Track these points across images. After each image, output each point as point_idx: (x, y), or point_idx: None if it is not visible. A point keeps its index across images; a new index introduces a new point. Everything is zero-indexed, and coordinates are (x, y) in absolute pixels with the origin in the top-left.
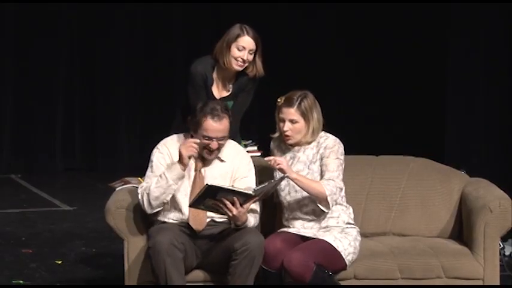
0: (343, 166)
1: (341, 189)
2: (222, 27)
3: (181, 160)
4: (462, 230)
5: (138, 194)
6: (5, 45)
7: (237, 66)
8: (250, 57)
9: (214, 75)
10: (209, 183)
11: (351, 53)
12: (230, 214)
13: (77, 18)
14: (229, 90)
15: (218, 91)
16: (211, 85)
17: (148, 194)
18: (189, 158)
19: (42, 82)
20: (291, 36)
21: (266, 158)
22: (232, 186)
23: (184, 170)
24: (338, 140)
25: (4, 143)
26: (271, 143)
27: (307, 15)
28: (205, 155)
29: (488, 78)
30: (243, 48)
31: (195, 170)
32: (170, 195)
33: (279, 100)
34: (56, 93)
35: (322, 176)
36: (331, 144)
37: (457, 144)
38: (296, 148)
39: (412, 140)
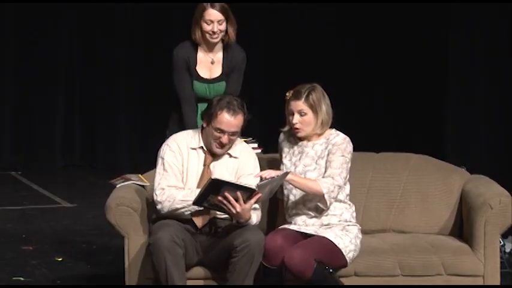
0: (349, 165)
1: (339, 186)
2: None
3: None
4: (462, 227)
5: (156, 194)
6: (5, 44)
7: (211, 39)
8: (222, 27)
9: (200, 55)
10: (213, 177)
11: (351, 51)
12: (234, 211)
13: (77, 17)
14: (219, 69)
15: (209, 71)
16: (195, 66)
17: (171, 203)
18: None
19: (42, 80)
20: (291, 35)
21: (254, 176)
22: (238, 181)
23: None
24: (348, 138)
25: (4, 140)
26: (281, 135)
27: (307, 15)
28: (215, 149)
29: (489, 77)
30: (210, 21)
31: (204, 165)
32: (189, 212)
33: (287, 94)
34: (56, 90)
35: (325, 171)
36: (339, 142)
37: (458, 142)
38: (305, 143)
39: (412, 138)
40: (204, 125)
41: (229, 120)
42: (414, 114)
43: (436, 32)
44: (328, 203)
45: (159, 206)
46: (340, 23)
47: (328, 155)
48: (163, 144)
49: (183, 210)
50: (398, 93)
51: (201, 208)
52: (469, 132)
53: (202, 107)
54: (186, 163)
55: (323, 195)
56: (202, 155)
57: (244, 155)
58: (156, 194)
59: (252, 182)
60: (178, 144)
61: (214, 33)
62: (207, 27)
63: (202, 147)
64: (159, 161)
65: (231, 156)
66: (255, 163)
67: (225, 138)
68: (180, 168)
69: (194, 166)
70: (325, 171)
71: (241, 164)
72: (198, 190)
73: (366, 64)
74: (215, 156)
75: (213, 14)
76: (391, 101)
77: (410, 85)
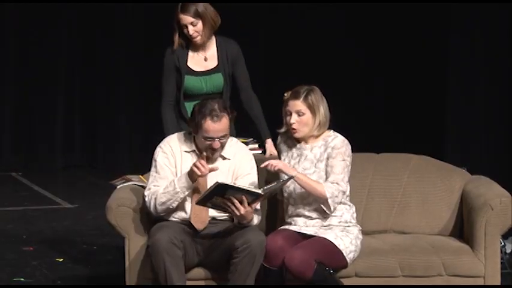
0: (350, 168)
1: (344, 192)
2: (222, 27)
3: (190, 175)
4: (463, 227)
5: (145, 196)
6: (5, 44)
7: (192, 40)
8: (197, 27)
9: (190, 52)
10: (219, 181)
11: (351, 51)
12: (237, 213)
13: (77, 16)
14: (214, 62)
15: (203, 66)
16: (186, 62)
17: (155, 199)
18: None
19: (42, 80)
20: (291, 36)
21: (262, 165)
22: (244, 185)
23: (193, 183)
24: (346, 140)
25: (4, 141)
26: (278, 137)
27: (307, 15)
28: (209, 155)
29: (489, 77)
30: (184, 26)
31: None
32: (177, 203)
33: (285, 94)
34: (56, 90)
35: (326, 175)
36: (339, 145)
37: (458, 142)
38: (303, 145)
39: (412, 138)
40: (194, 134)
41: (215, 126)
42: (414, 114)
43: (436, 32)
44: (332, 208)
45: (149, 208)
46: (340, 23)
47: (328, 158)
48: (157, 147)
49: (169, 202)
50: (398, 93)
51: (184, 195)
52: (469, 133)
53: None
54: (180, 165)
55: (326, 199)
56: (195, 158)
57: (240, 156)
58: (145, 195)
59: (249, 183)
60: (171, 147)
61: (191, 35)
62: (184, 30)
63: (194, 150)
64: (152, 163)
65: (224, 158)
66: (252, 163)
67: (216, 144)
68: (172, 170)
69: (188, 168)
70: (327, 176)
71: (237, 165)
72: (176, 179)
73: (366, 64)
74: (208, 159)
75: (184, 19)
76: (391, 101)
77: (410, 85)
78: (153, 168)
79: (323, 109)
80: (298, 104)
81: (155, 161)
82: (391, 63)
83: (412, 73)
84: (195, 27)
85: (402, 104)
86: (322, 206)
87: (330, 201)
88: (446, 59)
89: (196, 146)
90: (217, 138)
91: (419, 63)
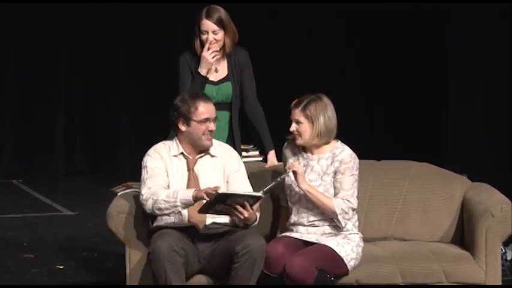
0: (357, 181)
1: (354, 209)
2: None
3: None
4: (464, 234)
5: (142, 194)
6: (5, 46)
7: (207, 48)
8: (217, 36)
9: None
10: (220, 191)
11: (351, 52)
12: (241, 217)
13: (77, 18)
14: (224, 72)
15: (214, 75)
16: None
17: (154, 201)
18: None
19: (43, 86)
20: (292, 40)
21: (287, 166)
22: (244, 191)
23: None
24: (354, 154)
25: (5, 148)
26: (285, 144)
27: (306, 17)
28: (206, 142)
29: (489, 77)
30: (205, 32)
31: (188, 170)
32: (173, 214)
33: (293, 102)
34: (56, 97)
35: (335, 191)
36: (347, 159)
37: (458, 148)
38: (310, 156)
39: (413, 144)
40: (183, 129)
41: (208, 106)
42: (414, 118)
43: (436, 32)
44: (343, 224)
45: (144, 206)
46: (339, 24)
47: (335, 172)
48: (144, 156)
49: (167, 212)
50: (398, 95)
51: (182, 211)
52: (470, 139)
53: None
54: (171, 169)
55: (336, 215)
56: (184, 161)
57: (227, 154)
58: (141, 194)
59: (240, 179)
60: (159, 153)
61: (210, 42)
62: (203, 37)
63: (182, 153)
64: (143, 171)
65: (212, 156)
66: (239, 159)
67: (212, 125)
68: (164, 174)
69: (178, 172)
70: (336, 192)
71: (226, 162)
72: (180, 191)
73: (365, 66)
74: (196, 160)
75: (207, 25)
76: (391, 105)
77: (410, 87)
78: (145, 175)
79: (323, 119)
80: (296, 114)
81: (145, 167)
82: (391, 63)
83: (412, 74)
84: (215, 36)
85: (402, 107)
86: (335, 219)
87: (340, 217)
88: (446, 59)
89: (184, 148)
90: (212, 118)
91: (420, 64)
